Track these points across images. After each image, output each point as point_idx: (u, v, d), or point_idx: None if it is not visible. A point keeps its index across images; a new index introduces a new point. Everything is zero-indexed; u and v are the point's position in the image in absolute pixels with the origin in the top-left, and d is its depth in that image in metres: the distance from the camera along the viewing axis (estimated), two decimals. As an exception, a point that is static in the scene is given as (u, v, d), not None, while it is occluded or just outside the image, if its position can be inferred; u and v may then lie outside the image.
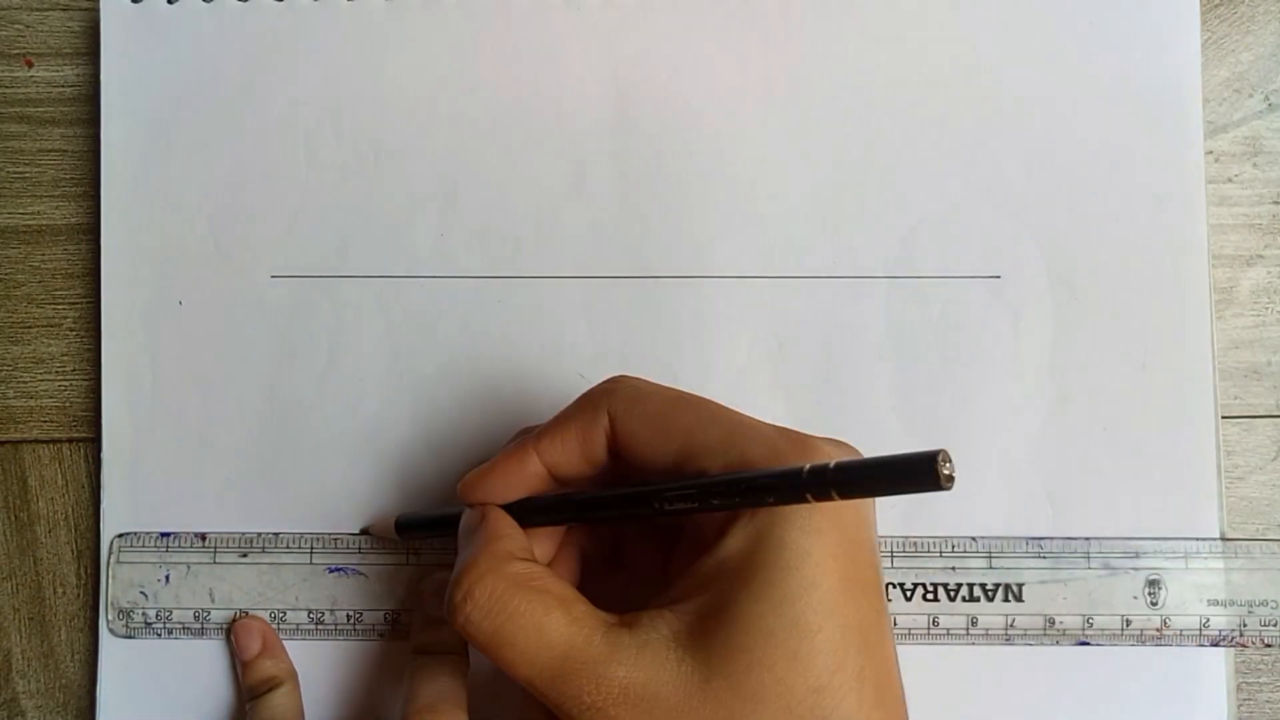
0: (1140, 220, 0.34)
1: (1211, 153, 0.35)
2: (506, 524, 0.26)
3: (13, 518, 0.34)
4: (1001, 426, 0.33)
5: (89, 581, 0.34)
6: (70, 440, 0.34)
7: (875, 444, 0.33)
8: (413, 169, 0.34)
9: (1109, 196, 0.34)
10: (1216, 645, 0.32)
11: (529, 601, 0.24)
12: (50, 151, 0.35)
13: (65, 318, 0.35)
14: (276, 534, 0.33)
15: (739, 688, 0.22)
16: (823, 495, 0.22)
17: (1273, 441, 0.34)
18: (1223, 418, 0.33)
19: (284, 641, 0.33)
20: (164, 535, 0.33)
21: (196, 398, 0.33)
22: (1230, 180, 0.35)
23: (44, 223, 0.35)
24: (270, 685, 0.32)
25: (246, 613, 0.33)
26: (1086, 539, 0.33)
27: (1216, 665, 0.32)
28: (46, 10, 0.35)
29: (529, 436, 0.27)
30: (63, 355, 0.34)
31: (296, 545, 0.33)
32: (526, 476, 0.26)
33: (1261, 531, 0.34)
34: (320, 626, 0.33)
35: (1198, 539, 0.33)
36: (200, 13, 0.34)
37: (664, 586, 0.25)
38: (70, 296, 0.35)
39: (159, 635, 0.33)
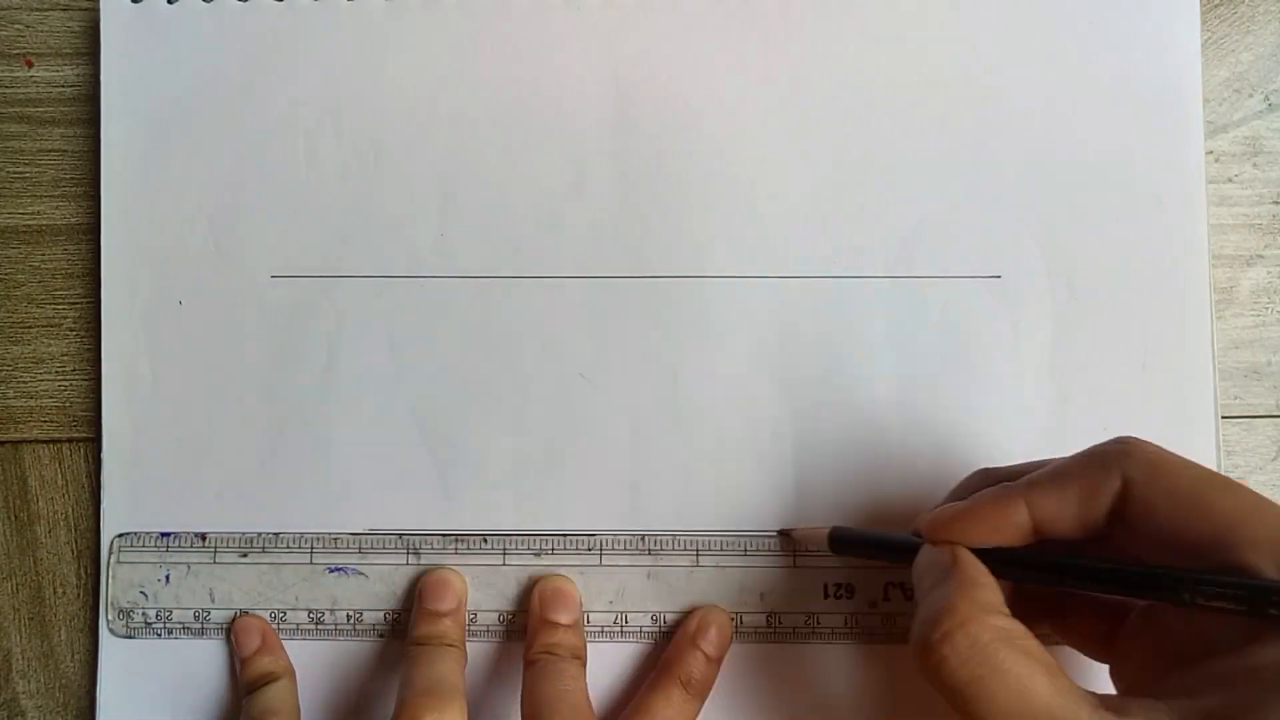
0: (1140, 220, 0.34)
1: (1211, 153, 0.35)
2: (983, 572, 0.25)
3: (13, 518, 0.34)
4: (1001, 426, 0.33)
5: (89, 581, 0.34)
6: (70, 440, 0.34)
7: (875, 444, 0.33)
8: (413, 169, 0.34)
9: (1109, 196, 0.34)
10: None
11: (1015, 659, 0.22)
12: (50, 151, 0.35)
13: (65, 318, 0.35)
14: (277, 534, 0.33)
15: None
16: None
17: (1273, 441, 0.34)
18: (1223, 418, 0.33)
19: (284, 642, 0.33)
20: (164, 535, 0.33)
21: (196, 398, 0.33)
22: (1230, 180, 0.35)
23: (44, 223, 0.35)
24: (267, 679, 0.32)
25: (246, 612, 0.33)
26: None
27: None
28: (46, 10, 0.35)
29: (1016, 486, 0.25)
30: (63, 355, 0.34)
31: (297, 545, 0.33)
32: (1007, 525, 0.25)
33: (1261, 531, 0.34)
34: (320, 626, 0.33)
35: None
36: (200, 13, 0.34)
37: (1154, 674, 0.24)
38: (70, 296, 0.35)
39: (159, 635, 0.33)
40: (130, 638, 0.33)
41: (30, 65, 0.35)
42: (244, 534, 0.33)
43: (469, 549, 0.33)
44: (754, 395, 0.33)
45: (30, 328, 0.35)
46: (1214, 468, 0.33)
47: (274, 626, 0.33)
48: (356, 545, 0.33)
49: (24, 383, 0.34)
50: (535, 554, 0.33)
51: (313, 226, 0.34)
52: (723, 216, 0.34)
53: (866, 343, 0.33)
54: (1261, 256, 0.35)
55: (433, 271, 0.34)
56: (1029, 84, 0.34)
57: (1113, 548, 0.25)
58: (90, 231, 0.34)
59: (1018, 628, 0.23)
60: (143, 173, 0.34)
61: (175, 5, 0.34)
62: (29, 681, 0.34)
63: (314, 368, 0.33)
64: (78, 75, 0.35)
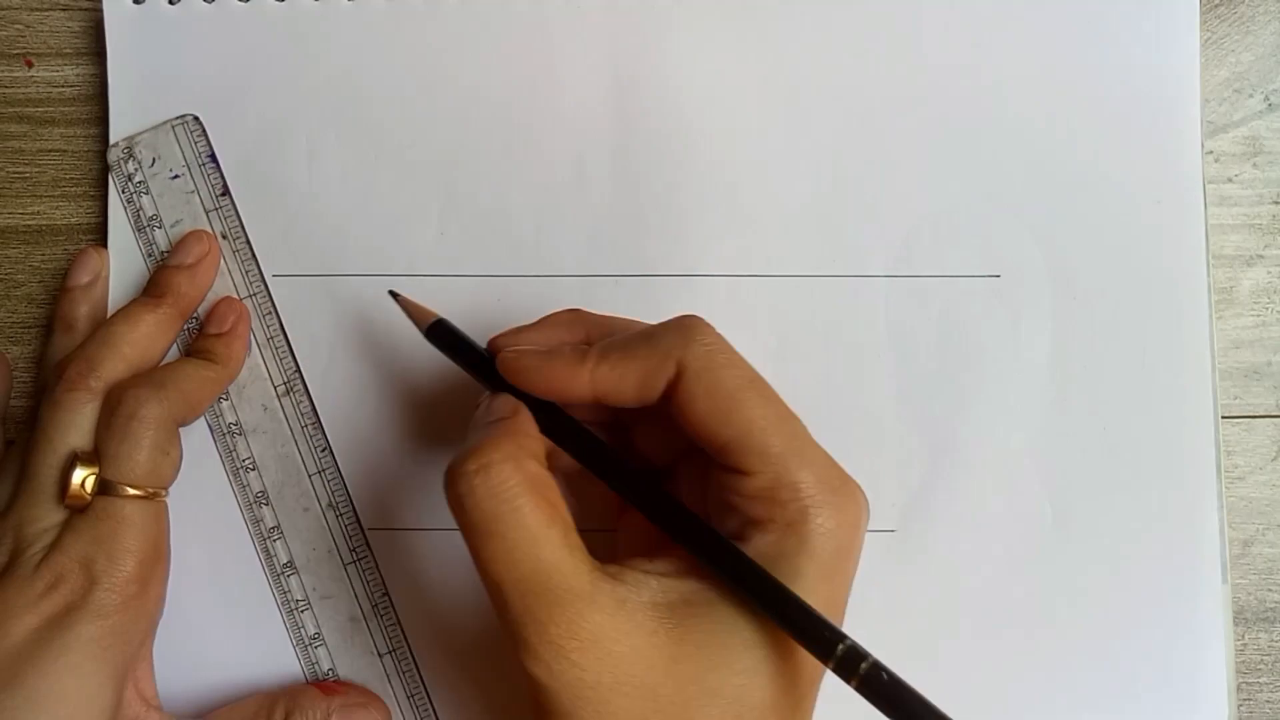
0: (1140, 220, 0.34)
1: (1211, 153, 0.35)
2: (533, 428, 0.26)
3: (12, 518, 0.34)
4: (1001, 426, 0.33)
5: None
6: (70, 440, 0.34)
7: (875, 443, 0.33)
8: (413, 169, 0.34)
9: (1109, 196, 0.34)
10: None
11: (536, 507, 0.23)
12: (50, 151, 0.35)
13: (65, 317, 0.35)
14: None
15: (702, 679, 0.23)
16: (845, 677, 0.22)
17: (1273, 441, 0.34)
18: (1223, 418, 0.33)
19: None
20: None
21: (196, 397, 0.33)
22: (1230, 180, 0.35)
23: (44, 223, 0.35)
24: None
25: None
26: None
27: (1217, 665, 0.32)
28: (46, 10, 0.35)
29: (588, 354, 0.26)
30: (62, 355, 0.34)
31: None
32: (571, 387, 0.25)
33: (1261, 532, 0.34)
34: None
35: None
36: (202, 13, 0.34)
37: (650, 549, 0.25)
38: (70, 296, 0.35)
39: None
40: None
41: (30, 65, 0.35)
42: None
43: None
44: (754, 395, 0.33)
45: (30, 328, 0.35)
46: (1214, 468, 0.33)
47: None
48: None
49: (24, 383, 0.34)
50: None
51: (313, 226, 0.34)
52: (722, 216, 0.34)
53: (866, 343, 0.33)
54: (1261, 256, 0.35)
55: (433, 271, 0.34)
56: (1029, 84, 0.34)
57: (665, 419, 0.25)
58: (90, 231, 0.34)
59: (549, 480, 0.24)
60: (143, 172, 0.34)
61: (177, 6, 0.34)
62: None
63: (314, 368, 0.33)
64: (78, 75, 0.35)
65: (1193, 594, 0.32)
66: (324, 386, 0.33)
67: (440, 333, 0.29)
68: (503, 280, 0.34)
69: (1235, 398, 0.34)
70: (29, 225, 0.35)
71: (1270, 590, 0.34)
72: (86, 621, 0.27)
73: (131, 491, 0.28)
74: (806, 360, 0.33)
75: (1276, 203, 0.35)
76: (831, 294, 0.34)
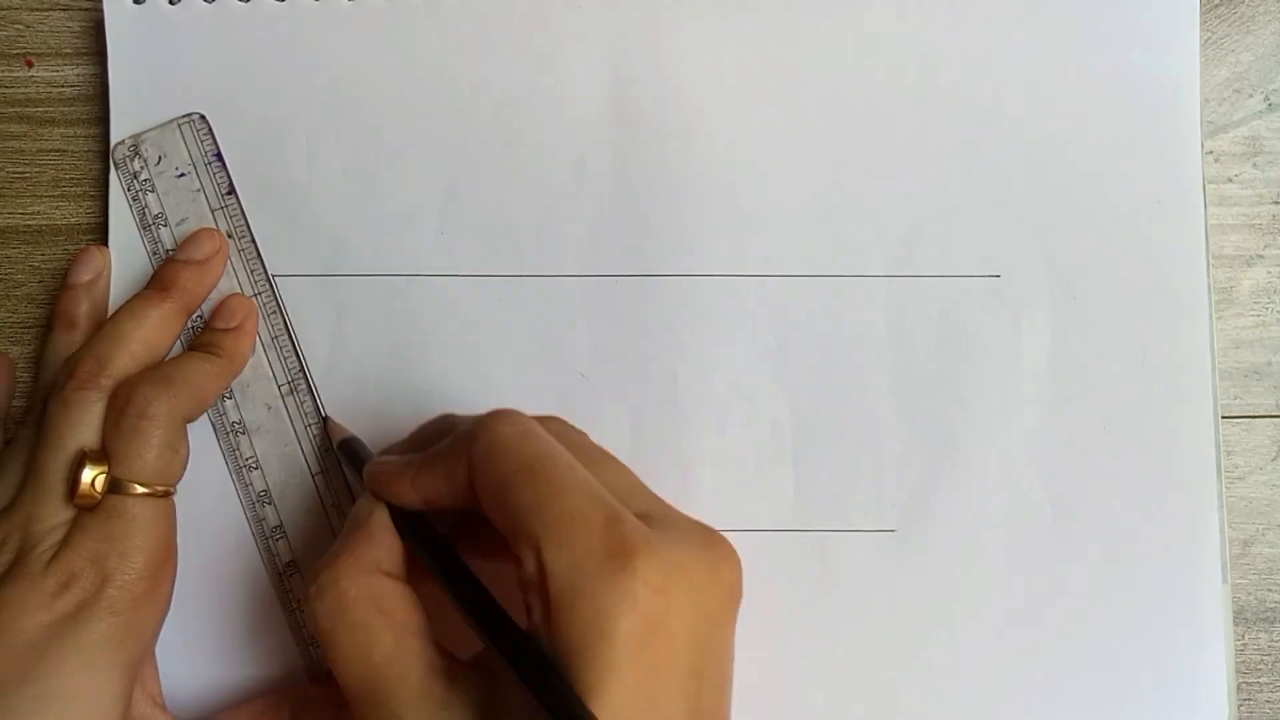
0: (1140, 220, 0.34)
1: (1211, 153, 0.35)
2: (386, 531, 0.26)
3: (13, 517, 0.34)
4: (1001, 426, 0.33)
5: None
6: (70, 440, 0.34)
7: (875, 443, 0.33)
8: (413, 169, 0.34)
9: (1109, 196, 0.34)
10: None
11: (367, 617, 0.24)
12: (50, 151, 0.35)
13: (65, 317, 0.35)
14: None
15: None
16: None
17: (1273, 441, 0.34)
18: (1223, 418, 0.33)
19: None
20: None
21: (197, 397, 0.33)
22: (1230, 180, 0.35)
23: (44, 223, 0.35)
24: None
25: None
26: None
27: (1217, 665, 0.32)
28: (46, 10, 0.35)
29: (409, 463, 0.26)
30: (63, 355, 0.34)
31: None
32: (407, 495, 0.26)
33: (1261, 532, 0.34)
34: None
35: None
36: (202, 14, 0.34)
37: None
38: (70, 296, 0.35)
39: None
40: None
41: (30, 65, 0.35)
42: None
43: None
44: (753, 394, 0.33)
45: (30, 328, 0.35)
46: (1214, 468, 0.33)
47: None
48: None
49: (24, 383, 0.34)
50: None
51: (313, 226, 0.34)
52: (722, 216, 0.34)
53: (866, 343, 0.33)
54: (1261, 256, 0.35)
55: (433, 270, 0.34)
56: (1028, 84, 0.34)
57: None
58: (90, 231, 0.34)
59: (390, 589, 0.25)
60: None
61: (177, 6, 0.34)
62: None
63: (314, 367, 0.33)
64: (78, 75, 0.35)
65: (1193, 594, 0.32)
66: (325, 386, 0.33)
67: (345, 449, 0.31)
68: (503, 280, 0.34)
69: (1235, 398, 0.34)
70: (29, 225, 0.35)
71: (1270, 590, 0.34)
72: (99, 619, 0.27)
73: (141, 490, 0.28)
74: (806, 360, 0.33)
75: (1276, 203, 0.35)
76: (831, 294, 0.34)
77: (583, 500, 0.23)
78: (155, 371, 0.30)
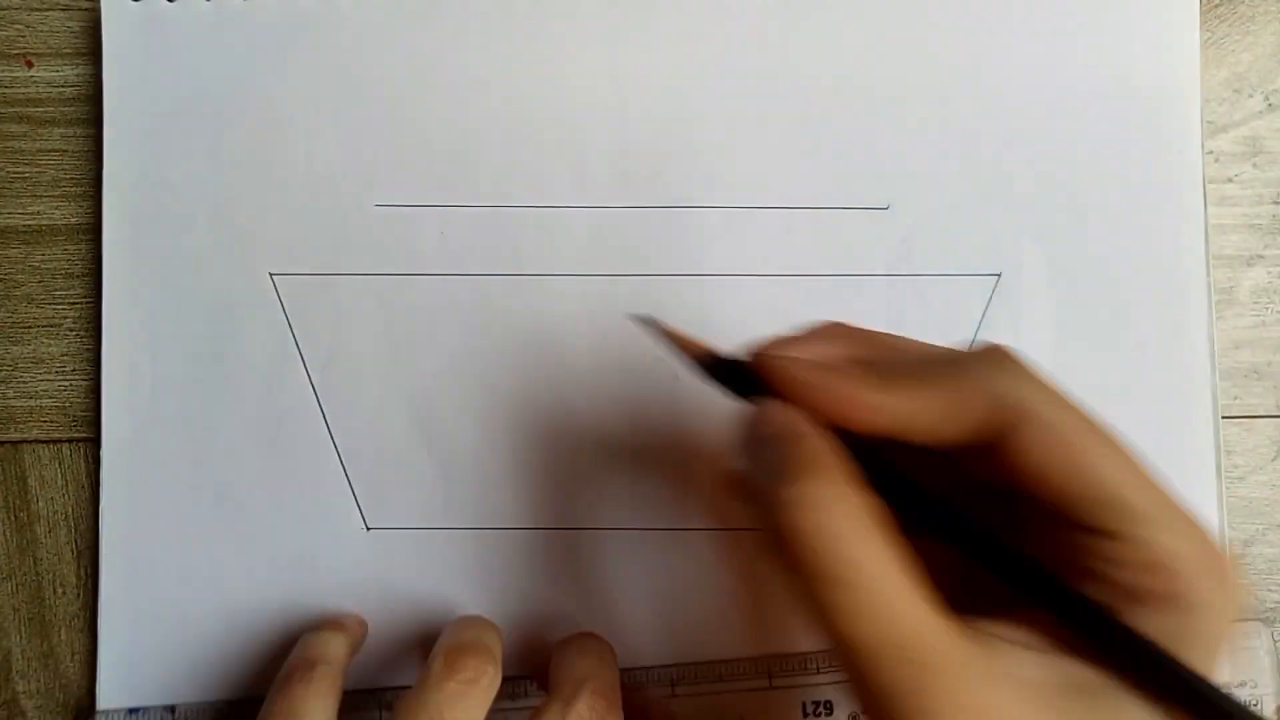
0: (1140, 220, 0.34)
1: (1211, 153, 0.35)
2: (842, 452, 0.21)
3: (13, 518, 0.34)
4: (1001, 426, 0.33)
5: (89, 581, 0.34)
6: (70, 440, 0.34)
7: (875, 444, 0.33)
8: (413, 169, 0.34)
9: (1109, 196, 0.34)
10: None
11: (888, 547, 0.19)
12: (50, 151, 0.35)
13: (65, 318, 0.35)
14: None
15: None
16: None
17: (1273, 441, 0.34)
18: (1223, 418, 0.33)
19: None
20: (131, 712, 0.33)
21: (196, 398, 0.33)
22: (1230, 180, 0.35)
23: (44, 223, 0.35)
24: (330, 627, 0.31)
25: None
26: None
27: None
28: (46, 10, 0.35)
29: (870, 372, 0.21)
30: (63, 355, 0.34)
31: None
32: (853, 411, 0.21)
33: (1261, 532, 0.34)
34: None
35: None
36: (201, 12, 0.34)
37: (973, 606, 0.21)
38: (70, 296, 0.35)
39: None
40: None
41: (30, 65, 0.35)
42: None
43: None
44: (754, 395, 0.33)
45: (30, 328, 0.35)
46: (1214, 468, 0.33)
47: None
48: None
49: (24, 383, 0.34)
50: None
51: (313, 225, 0.34)
52: (722, 215, 0.34)
53: (866, 342, 0.33)
54: (1261, 256, 0.35)
55: (433, 270, 0.34)
56: (1028, 83, 0.34)
57: (943, 455, 0.21)
58: (90, 231, 0.34)
59: (890, 516, 0.20)
60: (144, 172, 0.34)
61: (176, 4, 0.34)
62: (29, 682, 0.34)
63: (314, 367, 0.33)
64: (78, 75, 0.35)
65: (1193, 594, 0.32)
66: (325, 386, 0.33)
67: (716, 364, 0.24)
68: (503, 280, 0.34)
69: (1235, 398, 0.34)
70: (29, 225, 0.35)
71: (1270, 590, 0.34)
72: None
73: None
74: (807, 360, 0.33)
75: (1276, 203, 0.35)
76: (831, 294, 0.34)
77: (1159, 484, 0.21)
78: None
